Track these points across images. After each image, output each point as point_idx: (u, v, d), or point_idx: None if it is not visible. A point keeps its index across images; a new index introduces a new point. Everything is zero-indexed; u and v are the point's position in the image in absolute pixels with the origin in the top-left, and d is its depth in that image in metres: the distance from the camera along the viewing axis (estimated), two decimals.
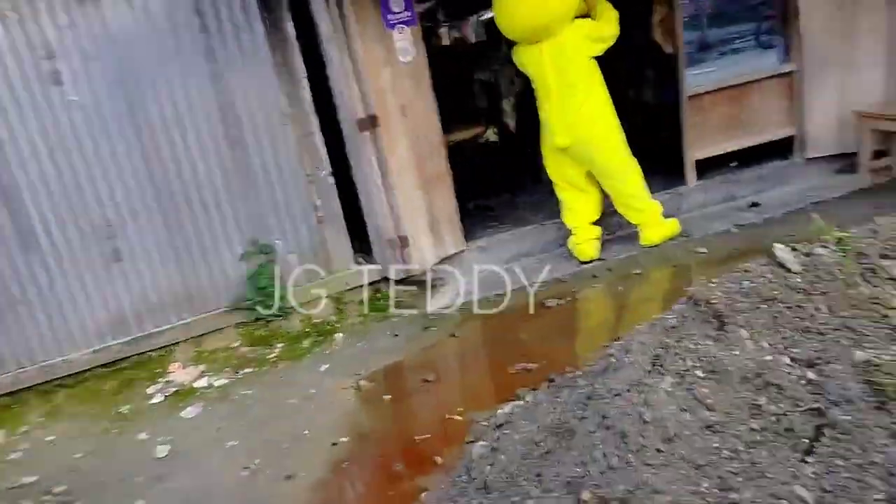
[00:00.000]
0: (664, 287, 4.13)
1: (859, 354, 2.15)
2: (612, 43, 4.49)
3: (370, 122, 4.60)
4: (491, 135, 5.61)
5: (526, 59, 4.62)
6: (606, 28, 4.46)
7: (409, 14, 4.65)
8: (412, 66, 4.72)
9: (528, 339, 3.81)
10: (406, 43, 4.69)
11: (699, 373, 2.17)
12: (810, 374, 2.12)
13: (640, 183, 4.64)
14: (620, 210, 4.74)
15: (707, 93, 5.20)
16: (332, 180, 4.82)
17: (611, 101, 4.61)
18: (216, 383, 4.13)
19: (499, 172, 5.67)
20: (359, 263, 4.90)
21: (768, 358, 2.18)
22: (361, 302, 4.72)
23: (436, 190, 4.93)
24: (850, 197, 4.79)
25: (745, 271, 2.49)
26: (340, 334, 4.42)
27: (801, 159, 5.30)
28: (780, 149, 5.37)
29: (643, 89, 6.34)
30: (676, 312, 2.40)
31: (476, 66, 5.82)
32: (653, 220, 4.68)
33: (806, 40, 5.02)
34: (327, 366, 4.06)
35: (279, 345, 4.44)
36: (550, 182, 4.96)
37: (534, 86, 4.73)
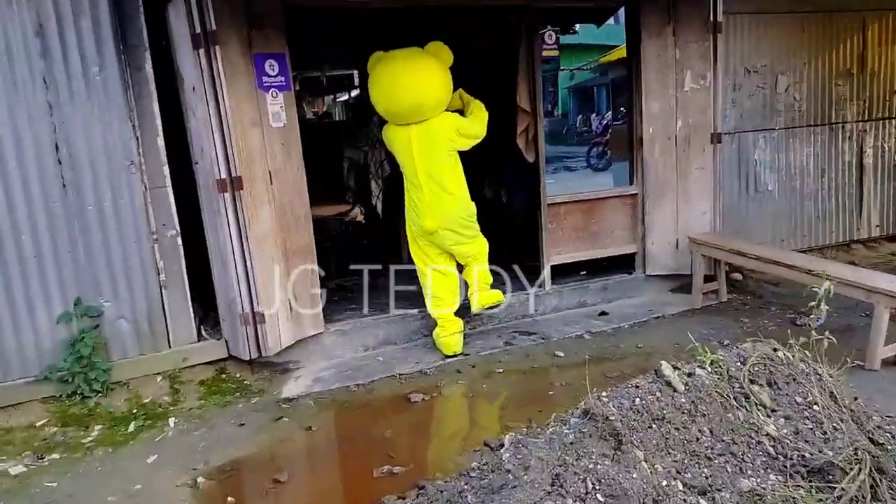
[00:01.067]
0: (527, 388, 4.10)
1: (744, 483, 2.20)
2: (477, 141, 4.63)
3: (232, 184, 4.24)
4: (358, 214, 5.45)
5: (395, 139, 4.61)
6: (475, 126, 4.60)
7: (284, 79, 4.46)
8: (284, 132, 4.48)
9: (393, 437, 3.53)
10: (279, 107, 4.47)
11: (599, 496, 2.08)
12: (703, 503, 2.11)
13: (485, 255, 4.74)
14: (465, 275, 4.76)
15: (563, 203, 5.50)
16: (179, 241, 4.34)
17: (468, 192, 4.68)
18: (12, 471, 3.33)
19: (363, 253, 5.53)
20: (203, 338, 4.37)
21: (664, 483, 2.15)
22: (203, 382, 4.15)
23: (298, 265, 4.61)
24: (685, 315, 5.22)
25: (636, 387, 2.50)
26: (174, 419, 3.81)
27: (642, 275, 5.73)
28: (624, 263, 5.79)
29: (501, 191, 6.61)
30: (574, 427, 2.33)
31: (345, 143, 5.70)
32: (486, 286, 4.77)
33: (648, 168, 5.55)
34: (156, 456, 3.45)
35: (98, 427, 3.74)
36: (413, 268, 4.88)
37: (402, 168, 4.71)
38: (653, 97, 5.47)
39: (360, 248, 5.70)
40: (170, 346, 4.24)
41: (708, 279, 5.42)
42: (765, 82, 5.88)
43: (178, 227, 4.32)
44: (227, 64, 4.13)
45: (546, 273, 5.47)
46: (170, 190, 4.28)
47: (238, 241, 4.28)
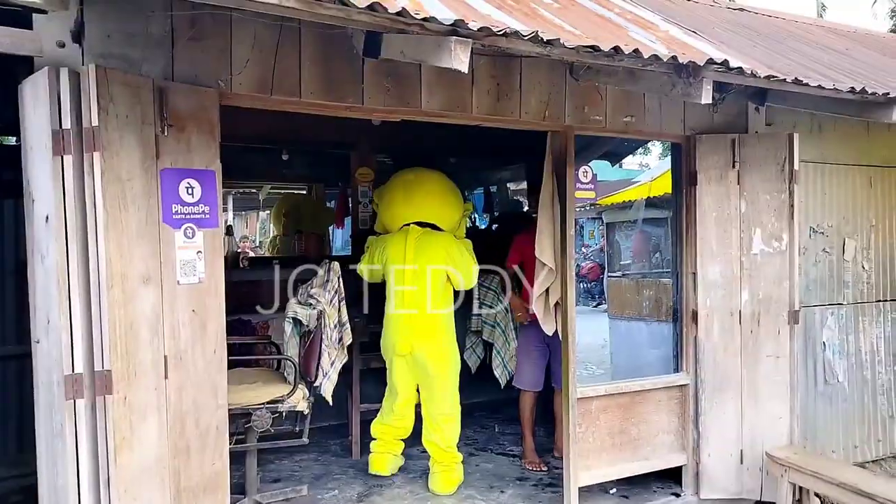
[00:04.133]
0: None
1: None
2: (460, 286, 4.13)
3: (94, 385, 2.47)
4: (300, 401, 3.64)
5: (389, 244, 4.10)
6: (470, 267, 4.12)
7: (209, 210, 2.84)
8: (198, 293, 2.80)
9: None
10: (194, 254, 2.78)
11: None
12: None
13: (456, 430, 4.17)
14: (426, 443, 4.16)
15: (597, 397, 3.92)
16: None
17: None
18: None
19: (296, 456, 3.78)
20: None
21: None
22: None
23: None
24: None
25: None
26: None
27: (694, 499, 4.12)
28: (665, 475, 4.20)
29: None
30: None
31: (295, 293, 3.99)
32: (453, 464, 4.17)
33: (704, 353, 4.10)
34: None
35: None
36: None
37: (388, 284, 4.12)
38: (711, 259, 4.11)
39: (293, 450, 3.87)
40: None
41: None
42: (831, 246, 4.68)
43: None
44: (112, 182, 2.52)
45: (573, 500, 3.77)
46: None
47: (91, 488, 2.42)
